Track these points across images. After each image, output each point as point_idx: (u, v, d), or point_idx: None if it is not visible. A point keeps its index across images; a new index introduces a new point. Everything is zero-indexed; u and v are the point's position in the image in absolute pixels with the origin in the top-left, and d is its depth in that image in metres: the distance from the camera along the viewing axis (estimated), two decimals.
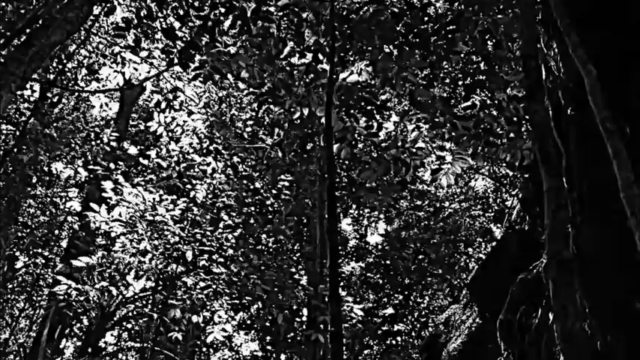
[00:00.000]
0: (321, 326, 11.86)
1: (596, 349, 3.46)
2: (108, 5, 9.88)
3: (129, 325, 17.51)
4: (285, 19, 7.63)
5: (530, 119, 3.44)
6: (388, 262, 20.13)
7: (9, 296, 17.04)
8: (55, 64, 13.30)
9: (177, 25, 9.36)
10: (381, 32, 6.97)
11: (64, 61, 12.60)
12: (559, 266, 2.91)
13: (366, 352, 20.22)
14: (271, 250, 19.13)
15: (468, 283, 6.08)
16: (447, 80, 8.71)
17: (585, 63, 3.41)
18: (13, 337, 18.94)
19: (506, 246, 5.41)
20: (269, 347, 19.35)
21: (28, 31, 8.82)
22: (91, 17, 9.74)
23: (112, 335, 19.11)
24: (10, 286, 16.29)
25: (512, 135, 7.63)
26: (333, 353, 4.40)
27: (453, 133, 7.93)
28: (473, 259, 20.00)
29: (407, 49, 7.25)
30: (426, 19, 7.36)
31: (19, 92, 12.58)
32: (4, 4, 13.21)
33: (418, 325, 19.54)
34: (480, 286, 5.21)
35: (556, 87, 4.24)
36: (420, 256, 19.66)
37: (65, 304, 12.05)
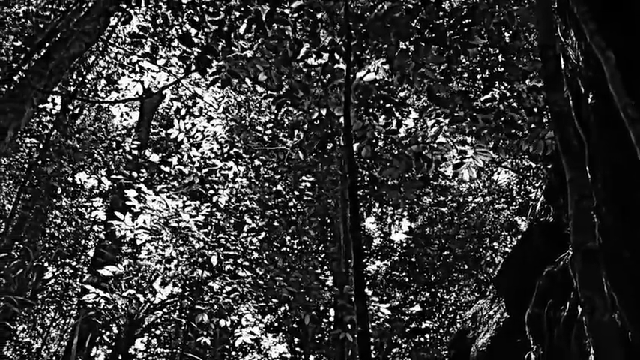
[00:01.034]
0: (349, 326, 11.84)
1: (627, 340, 3.41)
2: (124, 15, 9.97)
3: (158, 332, 17.67)
4: (299, 20, 7.63)
5: (549, 109, 3.40)
6: (413, 259, 20.04)
7: (39, 306, 17.28)
8: (75, 77, 13.45)
9: (193, 31, 9.41)
10: (396, 29, 6.94)
11: (84, 73, 12.74)
12: (584, 258, 2.86)
13: (394, 350, 20.15)
14: (296, 251, 19.16)
15: (495, 278, 6.02)
16: (465, 74, 8.65)
17: (603, 50, 3.36)
18: (45, 347, 19.18)
19: (532, 239, 5.34)
20: (297, 348, 19.38)
21: (47, 45, 8.93)
22: (108, 28, 9.83)
23: (141, 342, 19.30)
24: (40, 296, 16.52)
25: (533, 126, 7.56)
26: (361, 352, 4.40)
27: (474, 127, 7.87)
28: (499, 254, 19.84)
29: (423, 44, 7.21)
30: (441, 13, 7.31)
31: (41, 105, 12.73)
32: (23, 19, 13.41)
33: (446, 322, 19.42)
34: (506, 280, 5.16)
35: (575, 76, 4.20)
36: (445, 252, 19.54)
37: (94, 312, 12.19)
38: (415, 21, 7.21)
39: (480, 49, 7.60)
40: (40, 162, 15.07)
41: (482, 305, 5.08)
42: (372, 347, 18.31)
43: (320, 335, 19.23)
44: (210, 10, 8.10)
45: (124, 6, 9.73)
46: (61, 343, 21.14)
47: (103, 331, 16.33)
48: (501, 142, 7.89)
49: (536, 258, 4.67)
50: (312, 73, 8.03)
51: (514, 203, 20.00)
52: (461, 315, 17.69)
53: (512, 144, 7.84)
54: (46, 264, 19.39)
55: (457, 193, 21.31)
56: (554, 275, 4.09)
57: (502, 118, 7.64)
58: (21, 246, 18.40)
